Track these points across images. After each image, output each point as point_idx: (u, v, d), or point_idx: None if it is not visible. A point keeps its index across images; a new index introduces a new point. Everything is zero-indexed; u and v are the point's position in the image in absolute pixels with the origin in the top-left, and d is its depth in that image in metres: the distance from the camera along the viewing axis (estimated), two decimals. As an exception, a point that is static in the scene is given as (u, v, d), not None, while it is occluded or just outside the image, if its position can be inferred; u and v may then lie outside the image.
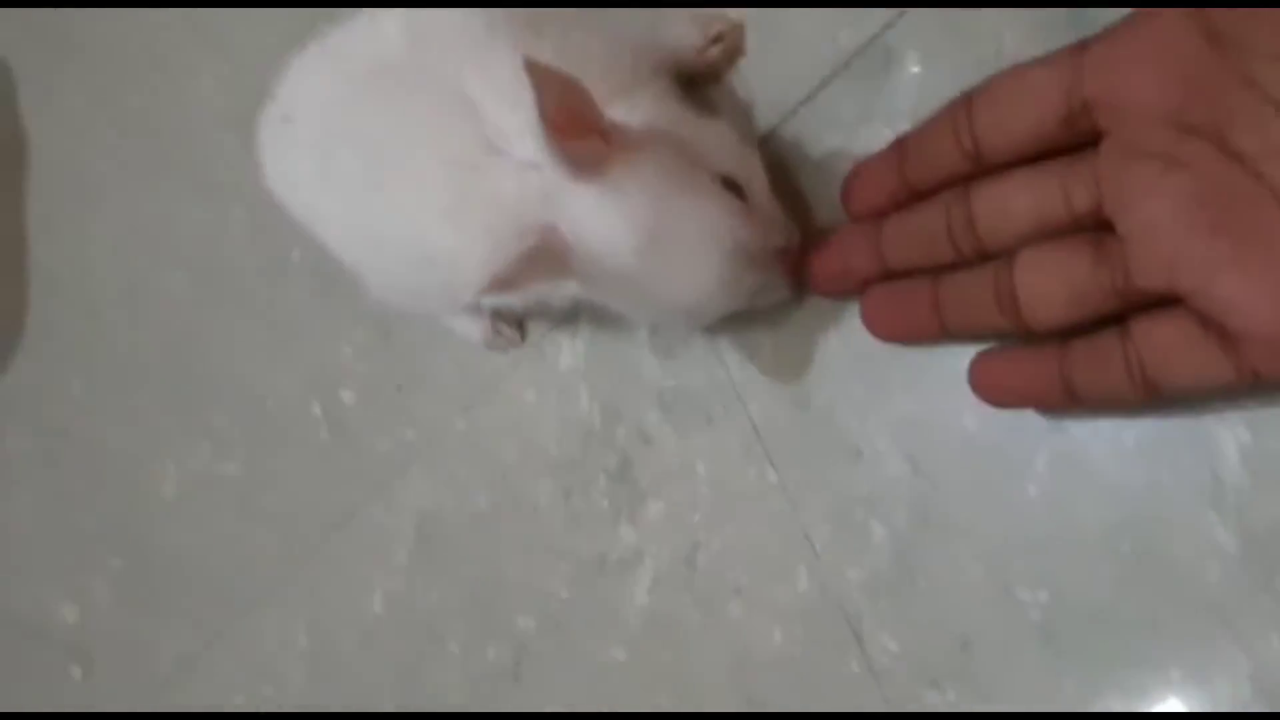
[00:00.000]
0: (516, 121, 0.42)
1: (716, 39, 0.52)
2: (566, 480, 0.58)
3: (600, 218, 0.41)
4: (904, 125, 0.47)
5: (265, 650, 0.75)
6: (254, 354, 0.77)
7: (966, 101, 0.41)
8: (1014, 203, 0.40)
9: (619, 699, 0.56)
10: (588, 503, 0.58)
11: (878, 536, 0.48)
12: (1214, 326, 0.34)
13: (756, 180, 0.45)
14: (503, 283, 0.40)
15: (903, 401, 0.47)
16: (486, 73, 0.44)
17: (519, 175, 0.43)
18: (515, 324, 0.60)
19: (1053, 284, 0.39)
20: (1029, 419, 0.43)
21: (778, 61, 0.52)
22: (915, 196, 0.44)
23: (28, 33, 1.03)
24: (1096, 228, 0.38)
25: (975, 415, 0.45)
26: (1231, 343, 0.34)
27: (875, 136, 0.48)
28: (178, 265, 0.83)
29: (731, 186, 0.43)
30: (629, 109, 0.44)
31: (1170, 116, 0.35)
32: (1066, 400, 0.39)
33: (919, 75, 0.48)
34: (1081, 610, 0.42)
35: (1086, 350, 0.39)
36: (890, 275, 0.45)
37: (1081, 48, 0.38)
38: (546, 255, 0.41)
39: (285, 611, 0.74)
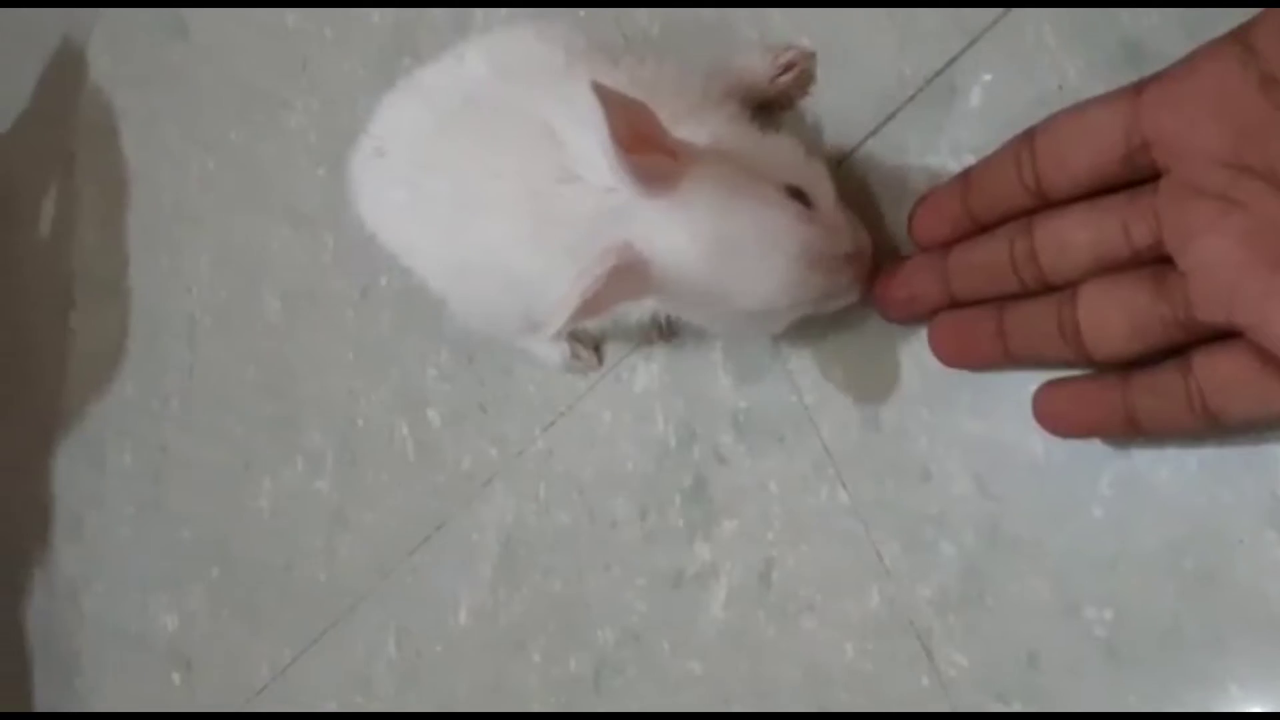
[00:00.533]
0: (591, 146, 0.43)
1: (788, 67, 0.54)
2: (643, 498, 0.60)
3: (670, 230, 0.43)
4: (968, 157, 0.49)
5: (356, 659, 0.78)
6: (344, 375, 0.80)
7: (1029, 138, 0.42)
8: (1075, 237, 0.41)
9: (695, 710, 0.58)
10: (663, 520, 0.60)
11: (946, 554, 0.49)
12: (1273, 359, 0.35)
13: (822, 188, 0.46)
14: (591, 306, 0.42)
15: (970, 424, 0.49)
16: (564, 101, 0.46)
17: (596, 199, 0.45)
18: (592, 347, 0.62)
19: (1115, 317, 0.40)
20: (1093, 442, 0.45)
21: (845, 94, 0.54)
22: (979, 227, 0.45)
23: (130, 71, 1.09)
24: (1155, 262, 0.39)
25: (1041, 438, 0.46)
26: None
27: (939, 167, 0.50)
28: (271, 290, 0.87)
29: (798, 195, 0.45)
30: (695, 128, 0.46)
31: (1226, 157, 0.36)
32: (1129, 429, 0.41)
33: (981, 109, 0.49)
34: (1145, 627, 0.43)
35: (1148, 381, 0.40)
36: (956, 303, 0.46)
37: (1139, 89, 0.39)
38: (627, 273, 0.42)
39: (375, 622, 0.77)
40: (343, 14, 0.84)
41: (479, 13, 0.73)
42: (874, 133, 0.52)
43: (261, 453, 0.88)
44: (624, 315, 0.51)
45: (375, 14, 0.82)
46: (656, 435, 0.60)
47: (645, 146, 0.41)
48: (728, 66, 0.54)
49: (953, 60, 0.50)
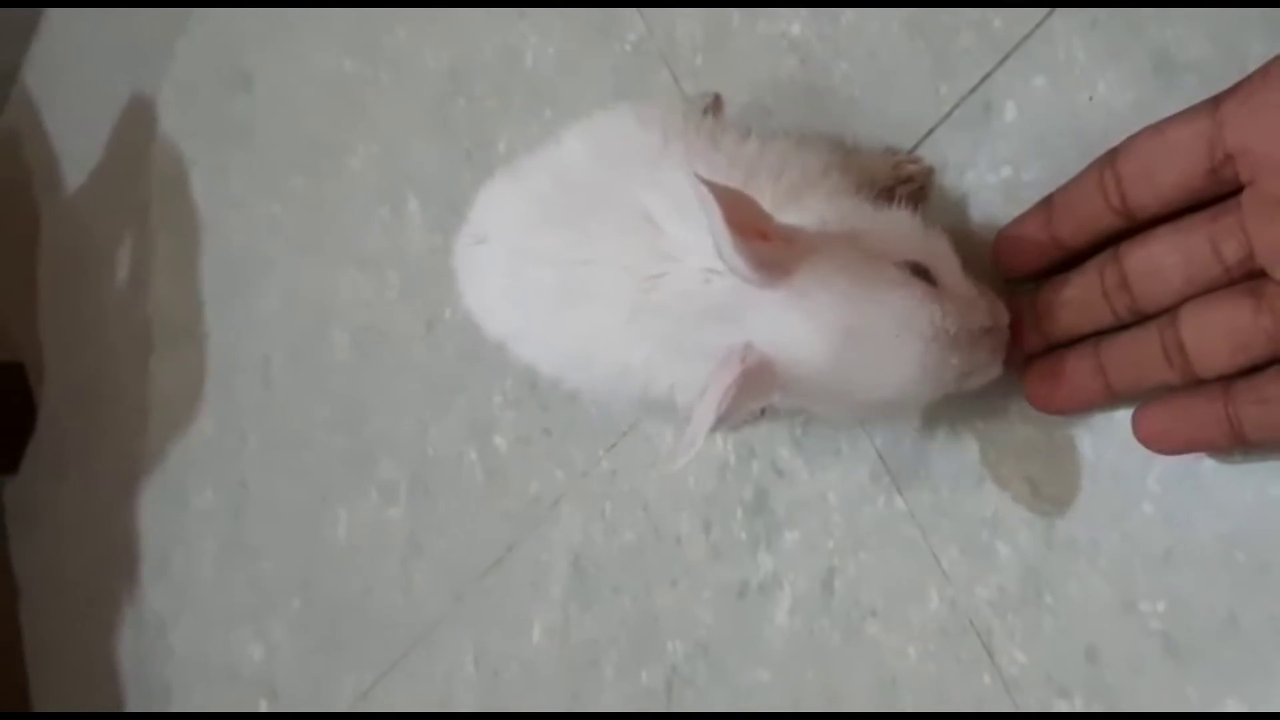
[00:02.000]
0: (692, 233, 0.43)
1: (906, 179, 0.53)
2: (705, 513, 0.62)
3: (791, 324, 0.41)
4: (1005, 170, 0.51)
5: (435, 680, 0.80)
6: (412, 406, 0.83)
7: (1110, 159, 0.43)
8: (1166, 262, 0.41)
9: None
10: (726, 533, 0.62)
11: (1003, 556, 0.50)
12: None
13: (945, 262, 0.44)
14: (724, 420, 0.40)
15: (1021, 428, 0.50)
16: (662, 186, 0.45)
17: (694, 286, 0.43)
18: None
19: (1219, 336, 0.40)
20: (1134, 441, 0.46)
21: (885, 113, 0.55)
22: (1065, 253, 0.45)
23: (197, 124, 1.14)
24: (1248, 276, 0.40)
25: (1090, 438, 0.47)
26: None
27: (978, 181, 0.52)
28: (340, 328, 0.90)
29: (921, 273, 0.43)
30: (801, 211, 0.45)
31: None
32: (1235, 442, 0.41)
33: (1016, 123, 0.51)
34: (1201, 620, 0.44)
35: (1250, 391, 0.40)
36: (1050, 347, 0.46)
37: (1216, 102, 0.39)
38: (754, 376, 0.40)
39: (452, 644, 0.79)
40: (397, 59, 0.88)
41: (529, 52, 0.76)
42: (915, 147, 0.54)
43: (336, 485, 0.91)
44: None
45: (429, 58, 0.85)
46: (716, 452, 0.62)
47: (750, 235, 0.39)
48: (849, 162, 0.52)
49: (986, 77, 0.52)
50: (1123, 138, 0.43)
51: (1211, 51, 0.45)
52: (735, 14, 0.63)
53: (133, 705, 1.20)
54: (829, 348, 0.41)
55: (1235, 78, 0.40)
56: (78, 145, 1.38)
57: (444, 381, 0.81)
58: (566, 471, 0.71)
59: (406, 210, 0.85)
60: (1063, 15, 0.49)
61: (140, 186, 1.23)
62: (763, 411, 0.57)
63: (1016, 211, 0.49)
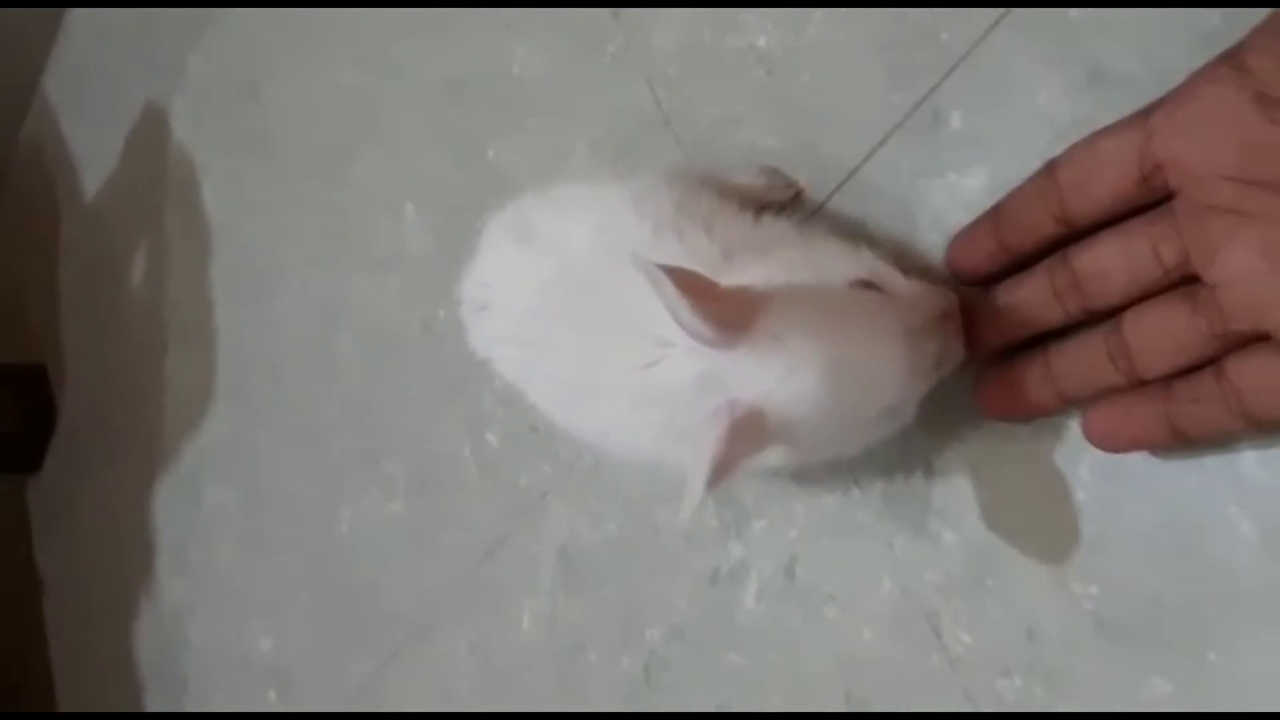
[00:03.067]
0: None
1: (775, 199, 0.58)
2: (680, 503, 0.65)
3: (770, 369, 0.42)
4: (952, 176, 0.53)
5: (435, 667, 0.84)
6: (411, 405, 0.86)
7: (1049, 170, 0.45)
8: (1111, 264, 0.44)
9: (737, 698, 0.63)
10: (699, 523, 0.65)
11: (949, 542, 0.53)
12: None
13: (882, 269, 0.47)
14: (720, 471, 0.41)
15: (966, 421, 0.53)
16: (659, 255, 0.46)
17: (687, 370, 0.44)
18: None
19: (1158, 338, 0.43)
20: (1072, 431, 0.48)
21: (842, 123, 0.58)
22: (1015, 259, 0.48)
23: (209, 133, 1.17)
24: (1186, 279, 0.42)
25: (1028, 431, 0.50)
26: None
27: (928, 186, 0.54)
28: (344, 330, 0.94)
29: (868, 285, 0.46)
30: (743, 269, 0.47)
31: (1232, 173, 0.39)
32: (1177, 439, 0.43)
33: (962, 131, 0.53)
34: (1130, 601, 0.47)
35: (1188, 391, 0.42)
36: (1002, 351, 0.49)
37: (1145, 115, 0.42)
38: (745, 427, 0.42)
39: (450, 632, 0.83)
40: (398, 69, 0.91)
41: (517, 59, 0.79)
42: (869, 157, 0.57)
43: (342, 482, 0.94)
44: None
45: (426, 69, 0.88)
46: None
47: (704, 301, 0.41)
48: (729, 187, 0.56)
49: (934, 88, 0.54)
50: (1060, 145, 0.46)
51: (1140, 64, 0.48)
52: (707, 27, 0.66)
53: (152, 695, 1.24)
54: (816, 377, 0.42)
55: (1162, 88, 0.43)
56: (96, 153, 1.42)
57: (439, 381, 0.84)
58: (553, 466, 0.74)
59: (404, 216, 0.88)
60: (1005, 29, 0.52)
61: (156, 193, 1.27)
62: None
63: (962, 215, 0.52)
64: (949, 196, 0.54)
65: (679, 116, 0.67)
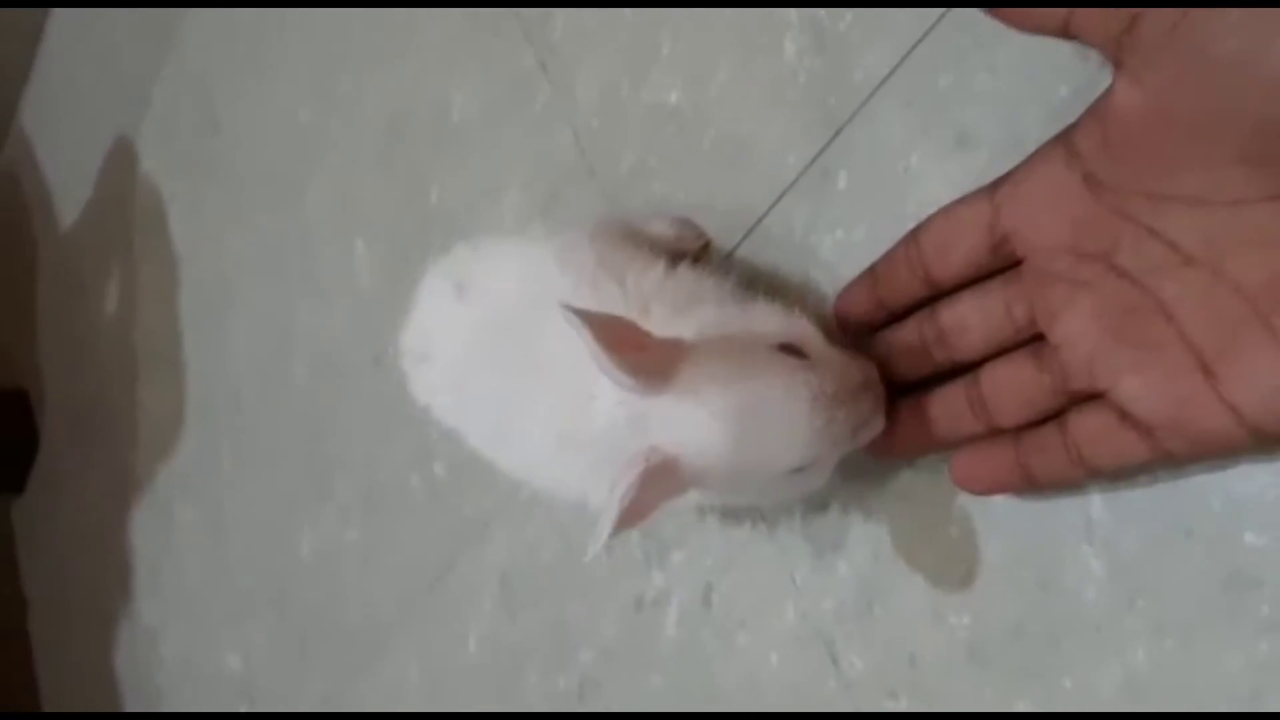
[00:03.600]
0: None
1: (685, 249, 0.61)
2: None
3: (687, 420, 0.45)
4: (839, 233, 0.57)
5: (388, 685, 0.88)
6: (363, 432, 0.90)
7: (913, 236, 0.49)
8: (970, 321, 0.47)
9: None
10: (626, 553, 0.68)
11: (843, 573, 0.57)
12: (1129, 416, 0.42)
13: (808, 335, 0.49)
14: (630, 516, 0.43)
15: (858, 462, 0.56)
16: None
17: (610, 415, 0.47)
18: None
19: (1008, 391, 0.46)
20: (944, 472, 0.52)
21: (740, 182, 0.62)
22: (891, 315, 0.51)
23: (174, 163, 1.21)
24: (1036, 336, 0.46)
25: (909, 472, 0.54)
26: (1144, 428, 0.42)
27: (818, 241, 0.58)
28: (299, 358, 0.98)
29: (790, 350, 0.47)
30: (684, 322, 0.49)
31: (1066, 246, 0.42)
32: (1029, 485, 0.47)
33: (847, 190, 0.57)
34: (996, 629, 0.51)
35: (1035, 441, 0.46)
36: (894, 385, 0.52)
37: (992, 189, 0.45)
38: (659, 474, 0.44)
39: (403, 652, 0.87)
40: (347, 106, 0.95)
41: (456, 105, 0.83)
42: (766, 214, 0.61)
43: (301, 505, 0.98)
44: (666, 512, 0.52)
45: (371, 107, 0.92)
46: (615, 479, 0.69)
47: (630, 351, 0.43)
48: (641, 235, 0.60)
49: (824, 149, 0.58)
50: (931, 205, 0.50)
51: (999, 130, 0.51)
52: (624, 81, 0.69)
53: (130, 709, 1.28)
54: (724, 432, 0.44)
55: (1017, 152, 0.47)
56: (70, 181, 1.46)
57: (390, 412, 0.88)
58: (494, 497, 0.78)
59: (354, 250, 0.92)
60: (884, 95, 0.56)
61: (126, 222, 1.30)
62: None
63: (848, 268, 0.55)
64: (837, 251, 0.57)
65: (601, 165, 0.71)
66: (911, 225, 0.53)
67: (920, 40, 0.54)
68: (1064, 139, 0.42)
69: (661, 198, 0.66)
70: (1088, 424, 0.44)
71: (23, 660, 1.53)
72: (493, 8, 0.79)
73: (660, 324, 0.48)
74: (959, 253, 0.47)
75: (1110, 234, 0.41)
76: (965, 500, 0.52)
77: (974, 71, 0.52)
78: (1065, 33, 0.39)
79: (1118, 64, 0.38)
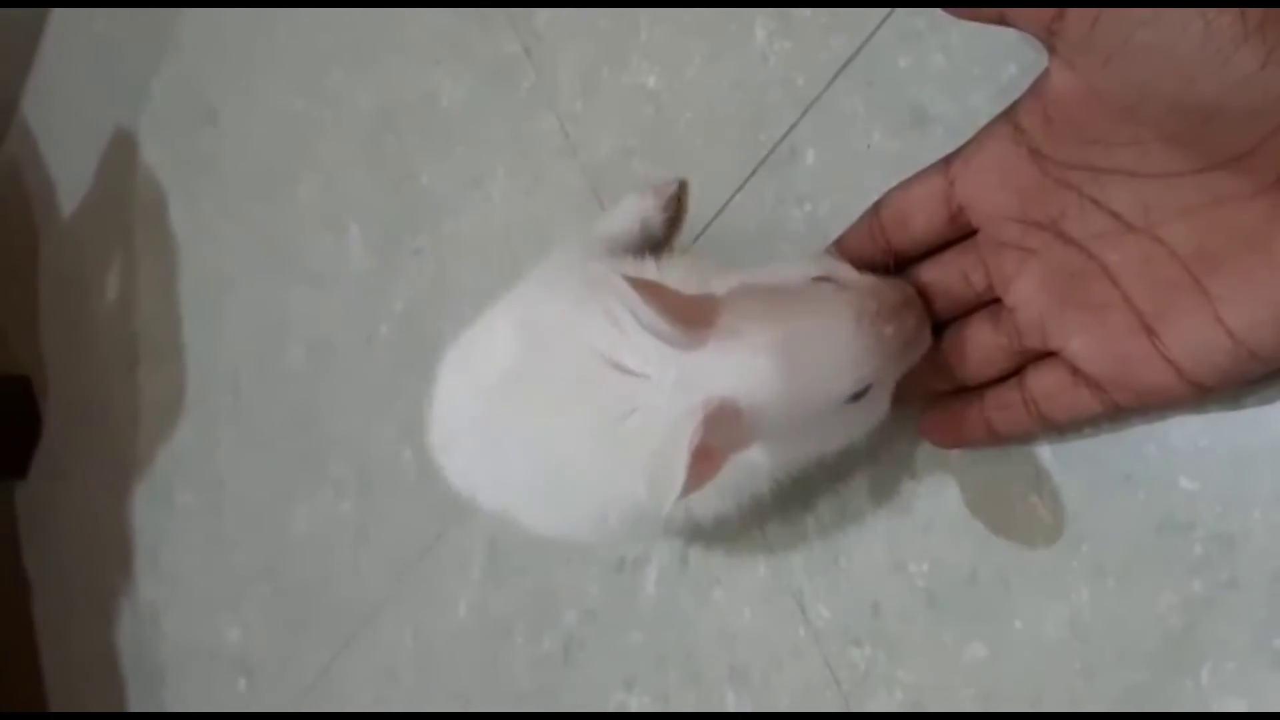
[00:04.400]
0: (645, 359, 0.46)
1: (673, 199, 0.63)
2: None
3: (736, 363, 0.44)
4: (807, 206, 0.60)
5: (382, 653, 0.91)
6: (357, 411, 0.93)
7: (875, 210, 0.51)
8: (933, 287, 0.50)
9: (640, 674, 0.70)
10: (606, 517, 0.71)
11: (810, 527, 0.60)
12: (1080, 373, 0.45)
13: (839, 267, 0.49)
14: (700, 470, 0.41)
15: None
16: (594, 316, 0.48)
17: (661, 402, 0.45)
18: None
19: (968, 351, 0.49)
20: (906, 428, 0.55)
21: (716, 157, 0.65)
22: None
23: (172, 155, 1.24)
24: (993, 300, 0.49)
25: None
26: (1094, 384, 0.45)
27: (789, 215, 0.61)
28: (295, 341, 1.01)
29: (824, 281, 0.47)
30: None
31: (1015, 216, 0.45)
32: (993, 439, 0.50)
33: (814, 166, 0.60)
34: (951, 577, 0.54)
35: (996, 398, 0.49)
36: None
37: (947, 162, 0.47)
38: (721, 420, 0.42)
39: (395, 621, 0.90)
40: (337, 98, 0.98)
41: (444, 95, 0.86)
42: (739, 189, 0.64)
43: (296, 483, 1.01)
44: (749, 491, 0.53)
45: (362, 98, 0.95)
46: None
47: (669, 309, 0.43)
48: (622, 225, 0.61)
49: (792, 127, 0.61)
50: (891, 179, 0.53)
51: (953, 107, 0.55)
52: (605, 66, 0.73)
53: (132, 688, 1.31)
54: (773, 365, 0.43)
55: (969, 127, 0.50)
56: (71, 173, 1.49)
57: (382, 389, 0.91)
58: (483, 466, 0.81)
59: (348, 235, 0.95)
60: (847, 76, 0.59)
61: (125, 213, 1.33)
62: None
63: (816, 239, 0.58)
64: (806, 222, 0.61)
65: (584, 146, 0.74)
66: (874, 199, 0.56)
67: (881, 23, 0.58)
68: (1009, 116, 0.44)
69: (641, 175, 0.69)
70: (1043, 381, 0.47)
71: (26, 642, 1.56)
72: (473, 7, 0.83)
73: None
74: (918, 224, 0.49)
75: (1056, 204, 0.44)
76: (922, 456, 0.55)
77: (930, 53, 0.56)
78: (1002, 20, 0.41)
79: (1051, 50, 0.40)
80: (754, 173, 0.63)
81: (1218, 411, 0.45)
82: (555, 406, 0.51)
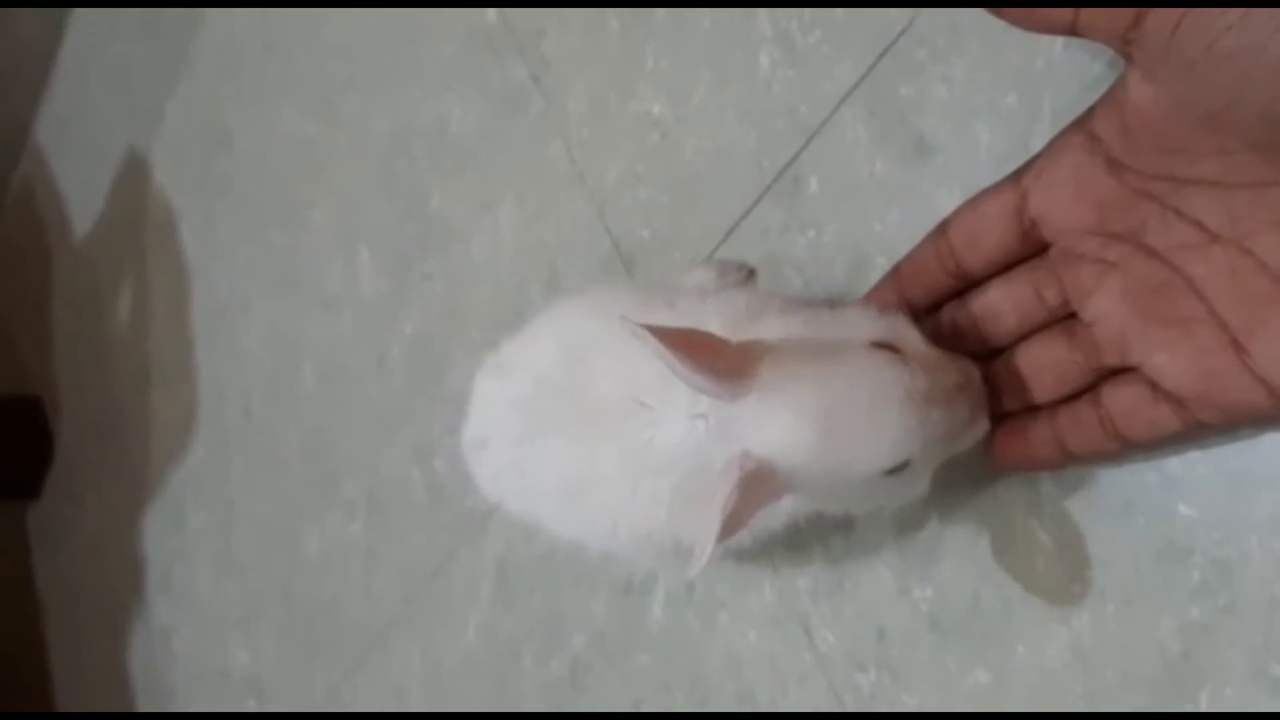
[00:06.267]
0: (667, 390, 0.45)
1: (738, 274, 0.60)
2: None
3: (773, 419, 0.43)
4: (810, 233, 0.61)
5: (391, 675, 0.91)
6: (367, 433, 0.94)
7: (942, 231, 0.49)
8: (1001, 308, 0.49)
9: (647, 697, 0.70)
10: (614, 539, 0.72)
11: (816, 553, 0.61)
12: (1161, 389, 0.44)
13: (906, 334, 0.47)
14: (731, 525, 0.41)
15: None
16: (624, 362, 0.48)
17: (686, 431, 0.45)
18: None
19: (1043, 368, 0.48)
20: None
21: (720, 187, 0.66)
22: (914, 314, 0.51)
23: (186, 178, 1.25)
24: (1067, 317, 0.47)
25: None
26: (1176, 401, 0.43)
27: (793, 242, 0.62)
28: (307, 364, 1.02)
29: (884, 347, 0.46)
30: (759, 332, 0.47)
31: (1093, 228, 0.43)
32: (1065, 458, 0.48)
33: (818, 193, 0.61)
34: (955, 602, 0.55)
35: (1070, 417, 0.47)
36: None
37: (1017, 177, 0.46)
38: (755, 480, 0.42)
39: (404, 642, 0.90)
40: (353, 122, 0.99)
41: (454, 121, 0.87)
42: (745, 215, 0.65)
43: (308, 505, 1.02)
44: (763, 526, 0.52)
45: (377, 123, 0.96)
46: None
47: (710, 357, 0.42)
48: (680, 287, 0.58)
49: (795, 156, 0.62)
50: (894, 207, 0.54)
51: (954, 137, 0.55)
52: (612, 93, 0.73)
53: (143, 709, 1.31)
54: (811, 430, 0.42)
55: (971, 158, 0.50)
56: (84, 196, 1.50)
57: (392, 411, 0.92)
58: (492, 489, 0.82)
59: (358, 259, 0.96)
60: (850, 105, 0.60)
61: (138, 235, 1.34)
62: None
63: (821, 268, 0.59)
64: (809, 249, 0.61)
65: (590, 172, 0.75)
66: (877, 226, 0.57)
67: (884, 53, 0.58)
68: (1082, 127, 0.43)
69: (647, 202, 0.70)
70: (1121, 398, 0.45)
71: (38, 663, 1.57)
72: (479, 7, 0.84)
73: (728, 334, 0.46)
74: (990, 242, 0.48)
75: (1136, 215, 0.42)
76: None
77: (932, 83, 0.56)
78: (1073, 31, 0.40)
79: (1128, 59, 0.39)
80: (758, 200, 0.64)
81: (1215, 438, 0.46)
82: (581, 419, 0.51)
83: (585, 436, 0.51)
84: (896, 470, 0.45)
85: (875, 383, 0.43)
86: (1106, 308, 0.44)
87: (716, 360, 0.42)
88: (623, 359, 0.48)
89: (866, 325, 0.47)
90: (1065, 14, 0.40)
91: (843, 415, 0.43)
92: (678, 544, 0.50)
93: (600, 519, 0.53)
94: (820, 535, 0.61)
